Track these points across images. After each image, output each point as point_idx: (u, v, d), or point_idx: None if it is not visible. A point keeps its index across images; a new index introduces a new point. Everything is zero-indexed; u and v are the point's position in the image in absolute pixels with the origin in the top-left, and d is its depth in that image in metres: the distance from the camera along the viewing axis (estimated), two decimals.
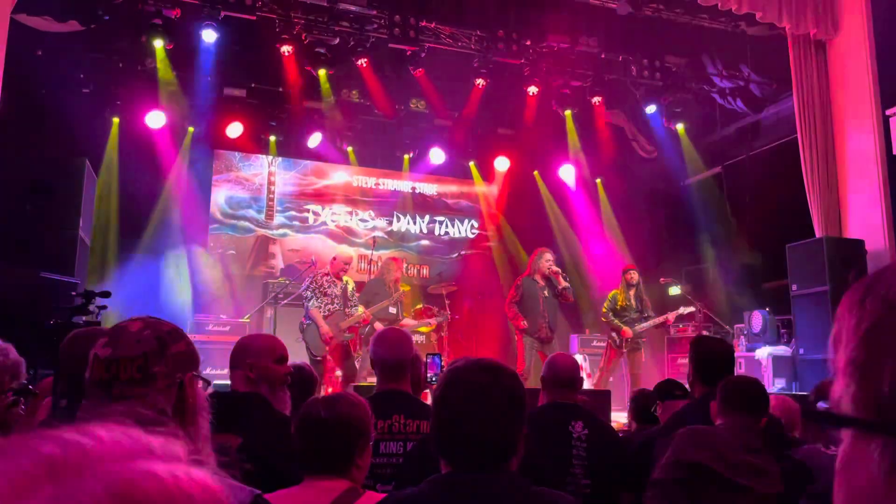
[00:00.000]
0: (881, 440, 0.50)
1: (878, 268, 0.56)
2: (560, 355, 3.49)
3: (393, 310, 7.65)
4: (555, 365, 3.29)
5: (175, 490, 0.43)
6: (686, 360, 3.55)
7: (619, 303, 7.81)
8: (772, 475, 2.50)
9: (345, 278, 7.41)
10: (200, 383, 1.53)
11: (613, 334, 7.79)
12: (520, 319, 7.30)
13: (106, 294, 4.44)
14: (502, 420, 1.54)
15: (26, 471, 0.41)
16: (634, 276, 7.88)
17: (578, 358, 8.57)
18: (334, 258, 7.50)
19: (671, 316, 7.84)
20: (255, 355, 2.66)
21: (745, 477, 2.45)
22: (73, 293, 4.99)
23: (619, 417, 6.52)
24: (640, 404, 4.23)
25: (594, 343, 9.63)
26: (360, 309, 7.32)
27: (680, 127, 10.07)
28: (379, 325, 7.06)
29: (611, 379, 8.04)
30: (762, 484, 2.46)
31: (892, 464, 0.48)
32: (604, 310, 7.90)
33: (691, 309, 8.02)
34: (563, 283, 7.49)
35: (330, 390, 7.15)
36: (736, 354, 7.67)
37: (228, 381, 2.79)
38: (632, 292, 7.84)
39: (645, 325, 7.78)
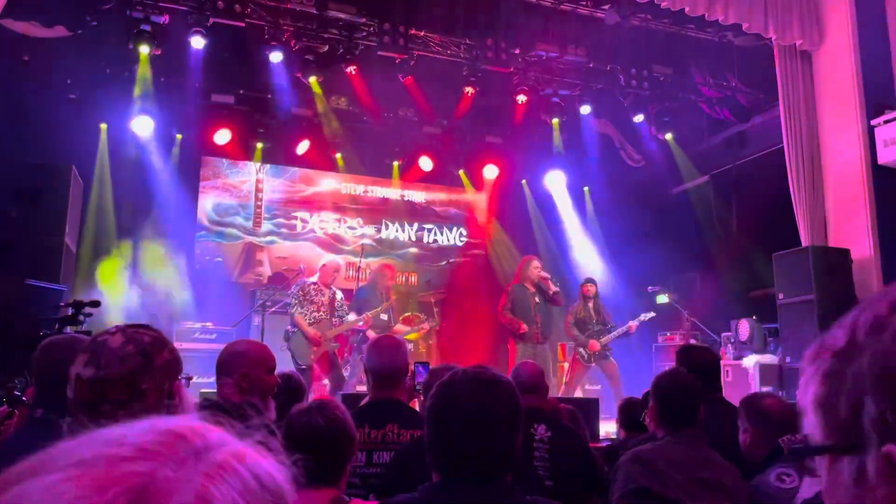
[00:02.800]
0: (846, 458, 0.59)
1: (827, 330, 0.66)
2: (525, 363, 3.61)
3: (384, 316, 7.66)
4: (519, 372, 3.37)
5: (266, 464, 0.50)
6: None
7: (580, 316, 7.89)
8: (727, 487, 2.42)
9: (333, 287, 7.39)
10: (184, 385, 1.51)
11: (580, 349, 7.87)
12: (518, 323, 7.39)
13: (95, 304, 4.41)
14: (503, 437, 1.55)
15: (170, 443, 0.47)
16: (591, 288, 8.00)
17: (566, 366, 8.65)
18: (324, 265, 7.48)
19: (633, 324, 7.90)
20: (249, 365, 2.59)
21: (696, 496, 2.36)
22: (62, 303, 4.96)
23: (608, 426, 6.57)
24: (629, 412, 4.25)
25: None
26: (352, 316, 7.31)
27: (669, 136, 10.15)
28: (371, 333, 7.06)
29: (577, 392, 8.08)
30: (717, 498, 2.36)
31: (857, 474, 0.57)
32: (567, 325, 7.98)
33: (652, 314, 8.09)
34: (554, 288, 7.65)
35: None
36: (723, 363, 7.74)
37: (214, 389, 2.74)
38: (590, 304, 7.96)
39: (609, 336, 7.86)
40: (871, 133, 7.24)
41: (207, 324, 8.74)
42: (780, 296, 7.37)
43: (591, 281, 8.12)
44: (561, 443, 2.99)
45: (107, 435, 0.47)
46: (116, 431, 0.47)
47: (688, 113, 10.02)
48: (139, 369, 1.40)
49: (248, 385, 2.55)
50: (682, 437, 2.56)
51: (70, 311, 4.34)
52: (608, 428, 6.50)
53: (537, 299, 7.61)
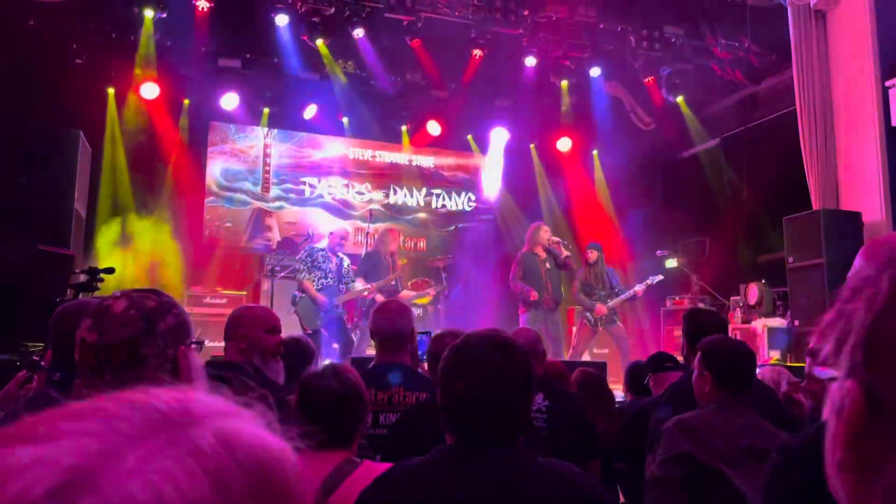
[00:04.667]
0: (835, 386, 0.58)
1: None
2: (521, 330, 3.61)
3: (391, 282, 7.70)
4: (516, 339, 3.35)
5: (265, 444, 0.46)
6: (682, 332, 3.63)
7: (586, 281, 7.91)
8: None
9: (340, 254, 7.42)
10: (194, 351, 1.51)
11: (587, 314, 7.89)
12: (529, 291, 7.43)
13: (110, 270, 4.45)
14: (516, 400, 1.57)
15: (143, 418, 0.43)
16: (592, 254, 7.99)
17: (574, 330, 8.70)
18: (331, 233, 7.51)
19: (640, 288, 7.90)
20: (247, 326, 2.70)
21: (739, 465, 2.30)
22: (77, 270, 5.02)
23: (615, 387, 6.63)
24: (635, 376, 4.29)
25: None
26: (358, 285, 7.34)
27: (680, 99, 10.04)
28: (380, 298, 7.11)
29: (585, 356, 8.12)
30: (759, 467, 2.32)
31: (869, 400, 0.56)
32: (574, 290, 7.99)
33: (660, 278, 8.08)
34: (566, 252, 7.66)
35: (327, 362, 7.21)
36: (731, 326, 7.77)
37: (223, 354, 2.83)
38: (594, 270, 7.93)
39: (616, 300, 7.87)
40: (885, 94, 7.14)
41: (218, 289, 8.82)
42: (790, 259, 7.36)
43: (592, 247, 8.10)
44: (560, 410, 2.96)
45: (75, 408, 0.44)
46: (90, 404, 0.44)
47: (699, 75, 9.89)
48: (140, 334, 1.40)
49: (246, 346, 2.64)
50: (727, 406, 2.49)
51: (84, 277, 4.38)
52: (614, 389, 6.56)
53: (548, 265, 7.63)
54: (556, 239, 7.73)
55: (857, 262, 0.64)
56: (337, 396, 1.99)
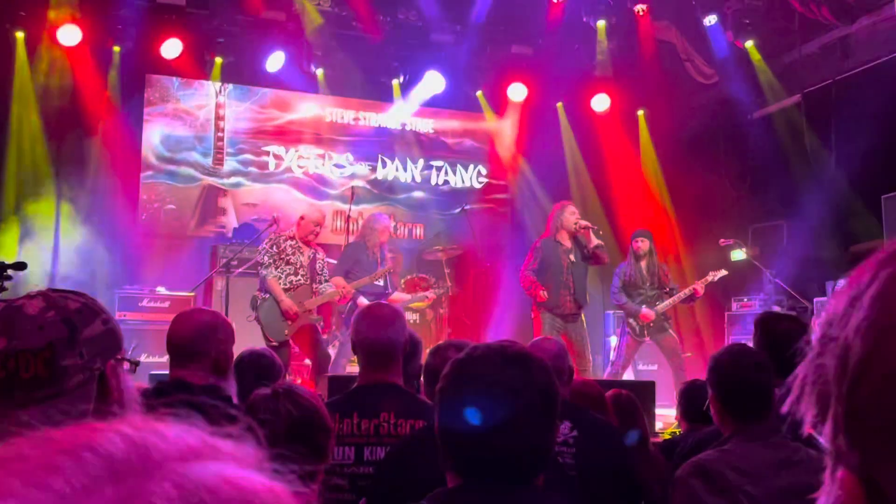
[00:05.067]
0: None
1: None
2: (543, 340, 3.58)
3: (380, 282, 7.70)
4: (535, 351, 3.35)
5: (249, 495, 0.45)
6: (750, 342, 3.62)
7: (629, 278, 7.91)
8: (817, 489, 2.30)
9: (313, 245, 7.41)
10: (126, 368, 1.51)
11: (631, 320, 7.87)
12: (539, 289, 7.39)
13: (20, 266, 4.46)
14: (535, 428, 1.56)
15: (82, 469, 0.42)
16: (643, 244, 7.96)
17: (613, 341, 8.71)
18: (302, 217, 7.49)
19: (699, 286, 7.88)
20: (225, 341, 2.67)
21: None
22: None
23: (666, 414, 6.67)
24: (691, 400, 4.28)
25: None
26: (330, 287, 7.30)
27: (750, 44, 10.01)
28: (363, 301, 7.11)
29: (628, 374, 8.12)
30: None
31: (869, 492, 0.53)
32: (613, 289, 7.98)
33: (724, 273, 8.06)
34: (596, 241, 7.62)
35: (299, 381, 7.22)
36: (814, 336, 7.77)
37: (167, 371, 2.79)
38: (642, 263, 7.93)
39: (668, 301, 7.86)
40: None
41: (158, 289, 8.83)
42: None
43: (643, 234, 8.09)
44: (591, 443, 2.93)
45: None
46: (7, 451, 0.43)
47: (775, 13, 9.86)
48: (61, 341, 1.40)
49: (225, 364, 2.61)
50: (755, 435, 2.43)
51: None
52: (667, 417, 6.60)
53: (572, 257, 7.59)
54: (584, 223, 7.68)
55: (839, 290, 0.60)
56: (294, 424, 2.01)
